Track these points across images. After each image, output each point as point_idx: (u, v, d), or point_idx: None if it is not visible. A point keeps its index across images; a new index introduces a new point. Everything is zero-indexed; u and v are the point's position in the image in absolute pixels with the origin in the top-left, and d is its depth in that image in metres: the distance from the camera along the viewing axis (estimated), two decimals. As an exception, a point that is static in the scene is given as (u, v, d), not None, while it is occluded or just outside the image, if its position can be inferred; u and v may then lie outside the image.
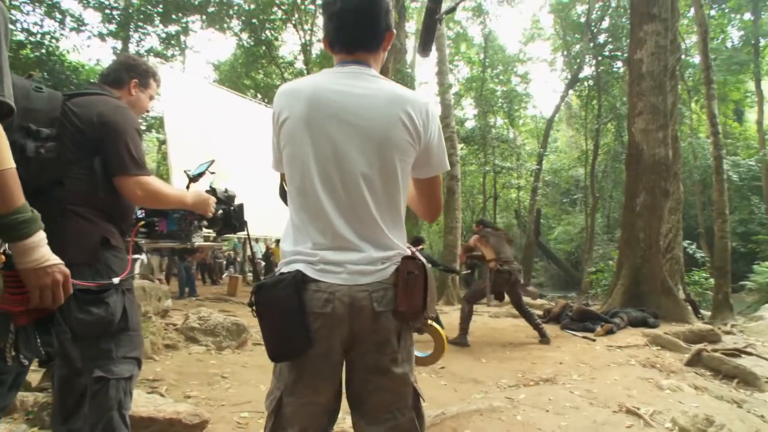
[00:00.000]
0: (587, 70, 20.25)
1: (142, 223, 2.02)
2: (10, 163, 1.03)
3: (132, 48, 14.65)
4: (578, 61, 20.09)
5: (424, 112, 1.27)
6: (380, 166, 1.23)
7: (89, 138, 1.66)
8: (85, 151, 1.66)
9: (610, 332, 6.33)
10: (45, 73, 11.31)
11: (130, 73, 1.94)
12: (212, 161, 2.34)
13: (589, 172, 19.64)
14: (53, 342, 1.17)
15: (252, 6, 16.33)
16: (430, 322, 1.33)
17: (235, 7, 15.18)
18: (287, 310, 1.19)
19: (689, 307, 7.91)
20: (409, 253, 1.29)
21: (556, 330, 6.81)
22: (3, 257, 1.10)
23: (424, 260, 1.26)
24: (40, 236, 1.11)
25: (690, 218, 18.93)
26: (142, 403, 2.40)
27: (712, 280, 10.82)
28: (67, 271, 1.16)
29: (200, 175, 2.31)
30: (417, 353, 1.40)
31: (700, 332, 6.25)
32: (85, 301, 1.61)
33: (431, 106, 1.30)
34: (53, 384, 1.86)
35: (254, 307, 1.23)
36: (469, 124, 21.46)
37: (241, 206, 2.27)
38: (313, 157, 1.23)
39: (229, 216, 2.21)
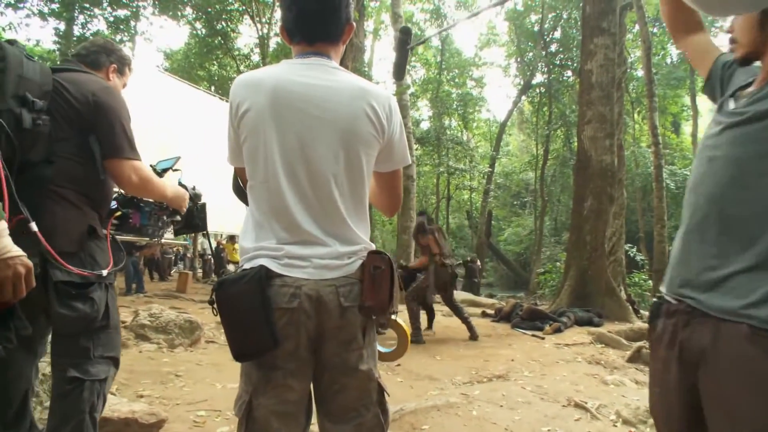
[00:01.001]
0: (539, 78, 21.00)
1: (118, 214, 1.93)
2: None
3: (77, 30, 13.90)
4: (531, 68, 20.80)
5: (387, 106, 1.26)
6: (346, 158, 1.21)
7: (82, 117, 1.57)
8: (76, 130, 1.58)
9: (558, 331, 6.61)
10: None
11: (109, 57, 1.86)
12: (178, 158, 2.25)
13: (539, 176, 20.36)
14: (12, 337, 1.10)
15: (208, -5, 15.88)
16: (393, 317, 1.34)
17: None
18: (251, 307, 1.14)
19: (630, 307, 8.37)
20: (374, 247, 1.28)
21: (506, 329, 7.04)
22: None
23: (389, 255, 1.26)
24: (2, 226, 1.06)
25: (631, 223, 19.99)
26: (94, 403, 2.29)
27: (650, 282, 11.50)
28: (29, 263, 1.10)
29: (165, 170, 2.23)
30: (380, 348, 1.41)
31: (640, 330, 6.62)
32: (68, 296, 1.52)
33: (393, 100, 1.30)
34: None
35: (215, 305, 1.18)
36: (425, 125, 21.74)
37: (203, 205, 2.20)
38: (278, 151, 1.19)
39: (191, 215, 2.13)
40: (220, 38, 17.18)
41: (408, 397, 3.61)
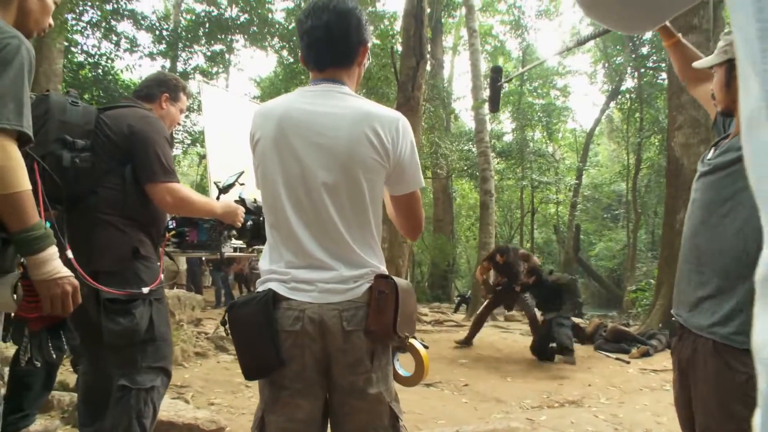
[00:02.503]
0: (629, 82, 19.74)
1: (173, 233, 2.11)
2: (27, 185, 1.17)
3: (180, 66, 15.39)
4: (619, 73, 19.61)
5: (394, 129, 1.25)
6: (346, 184, 1.22)
7: (121, 148, 1.74)
8: (118, 161, 1.75)
9: (646, 354, 6.10)
10: (101, 91, 12.04)
11: (160, 88, 2.03)
12: (242, 172, 2.35)
13: (631, 186, 19.01)
14: (63, 346, 1.28)
15: (291, 26, 16.87)
16: (411, 341, 1.32)
17: (276, 26, 15.70)
18: (257, 328, 1.20)
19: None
20: (383, 270, 1.28)
21: (589, 350, 6.62)
22: (21, 268, 1.22)
23: (395, 279, 1.25)
24: (52, 251, 1.22)
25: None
26: (163, 408, 2.51)
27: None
28: (76, 283, 1.27)
29: (230, 186, 2.34)
30: (401, 372, 1.41)
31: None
32: (113, 311, 1.68)
33: (402, 122, 1.29)
34: (78, 385, 1.96)
35: (227, 326, 1.26)
36: (507, 138, 21.22)
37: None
38: (281, 177, 1.24)
39: (258, 226, 2.20)
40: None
41: (470, 419, 3.53)
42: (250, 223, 2.19)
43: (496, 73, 2.80)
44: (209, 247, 2.23)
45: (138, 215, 1.80)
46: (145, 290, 1.74)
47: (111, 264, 1.71)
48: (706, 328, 1.27)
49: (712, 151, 1.43)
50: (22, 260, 1.22)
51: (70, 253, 1.45)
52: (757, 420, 0.33)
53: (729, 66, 1.33)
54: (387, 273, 1.29)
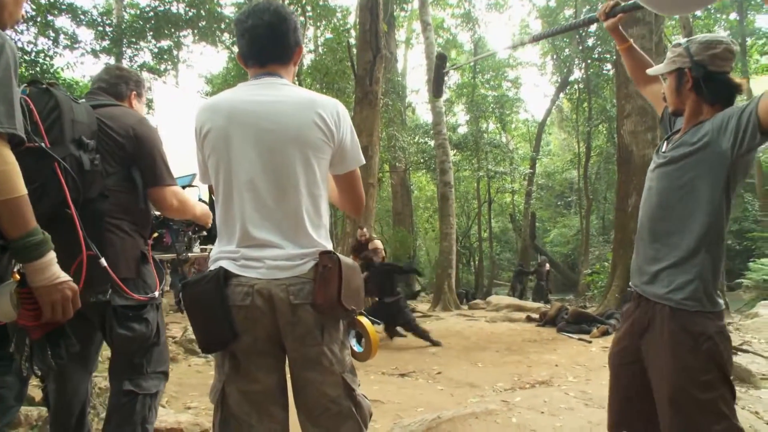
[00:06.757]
0: (577, 73, 20.47)
1: (155, 235, 2.07)
2: (24, 190, 1.12)
3: (125, 63, 14.73)
4: (568, 64, 20.30)
5: (335, 113, 1.36)
6: (300, 164, 1.31)
7: (126, 151, 1.71)
8: (122, 164, 1.71)
9: (606, 333, 6.40)
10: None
11: (128, 86, 1.98)
12: (194, 175, 2.41)
13: (582, 174, 19.77)
14: (63, 354, 1.25)
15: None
16: (360, 318, 1.40)
17: (226, 21, 15.29)
18: (211, 304, 1.26)
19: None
20: (327, 248, 1.35)
21: (552, 333, 6.89)
22: (17, 276, 1.17)
23: (339, 255, 1.32)
24: (51, 256, 1.18)
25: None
26: (143, 416, 2.44)
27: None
28: (76, 287, 1.23)
29: (183, 188, 2.37)
30: (356, 348, 1.48)
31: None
32: (126, 318, 1.66)
33: (341, 107, 1.40)
34: (48, 403, 1.85)
35: (181, 304, 1.30)
36: (462, 130, 21.58)
37: None
38: (237, 164, 1.31)
39: (213, 227, 2.28)
40: (256, 60, 17.72)
41: (447, 405, 3.61)
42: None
43: (441, 60, 2.88)
44: (177, 249, 2.26)
45: (140, 219, 1.79)
46: (156, 294, 1.74)
47: (127, 270, 1.68)
48: (663, 295, 1.52)
49: (665, 144, 1.64)
50: (16, 268, 1.17)
51: (104, 262, 1.39)
52: None
53: (678, 74, 1.56)
54: (332, 250, 1.36)
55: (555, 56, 21.40)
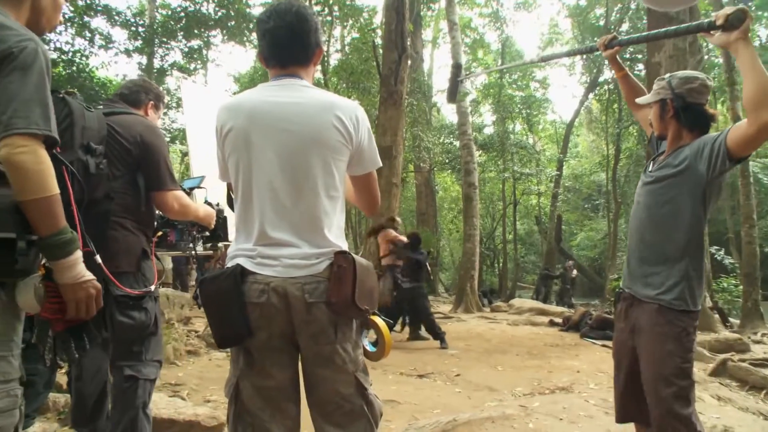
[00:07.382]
0: (607, 74, 20.00)
1: (160, 234, 2.21)
2: (56, 189, 1.16)
3: (156, 62, 15.11)
4: (597, 64, 19.87)
5: (354, 116, 1.38)
6: (319, 166, 1.33)
7: (133, 156, 1.85)
8: (128, 168, 1.85)
9: (630, 340, 6.26)
10: (75, 89, 11.75)
11: (147, 95, 2.13)
12: (203, 177, 2.60)
13: (610, 177, 19.34)
14: (86, 346, 1.31)
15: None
16: (374, 317, 1.40)
17: (254, 20, 15.54)
18: (227, 300, 1.29)
19: (716, 316, 7.73)
20: (343, 248, 1.36)
21: (575, 338, 6.77)
22: (43, 269, 1.21)
23: (354, 255, 1.34)
24: (78, 254, 1.23)
25: (719, 223, 18.43)
26: (163, 406, 2.52)
27: (741, 287, 10.53)
28: (99, 286, 1.28)
29: (192, 189, 2.53)
30: (368, 347, 1.48)
31: (726, 341, 6.11)
32: (127, 306, 1.78)
33: (360, 110, 1.42)
34: (70, 388, 2.04)
35: (198, 300, 1.34)
36: (488, 131, 21.38)
37: (225, 218, 2.50)
38: (254, 164, 1.33)
39: (216, 227, 2.42)
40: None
41: (464, 408, 3.58)
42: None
43: (457, 68, 3.08)
44: (182, 247, 2.44)
45: (143, 219, 1.93)
46: (153, 288, 1.87)
47: (128, 264, 1.82)
48: (653, 296, 1.80)
49: (651, 164, 1.92)
50: (43, 262, 1.22)
51: (99, 258, 1.46)
52: None
53: (662, 103, 1.84)
54: (347, 250, 1.38)
55: (585, 56, 20.97)
